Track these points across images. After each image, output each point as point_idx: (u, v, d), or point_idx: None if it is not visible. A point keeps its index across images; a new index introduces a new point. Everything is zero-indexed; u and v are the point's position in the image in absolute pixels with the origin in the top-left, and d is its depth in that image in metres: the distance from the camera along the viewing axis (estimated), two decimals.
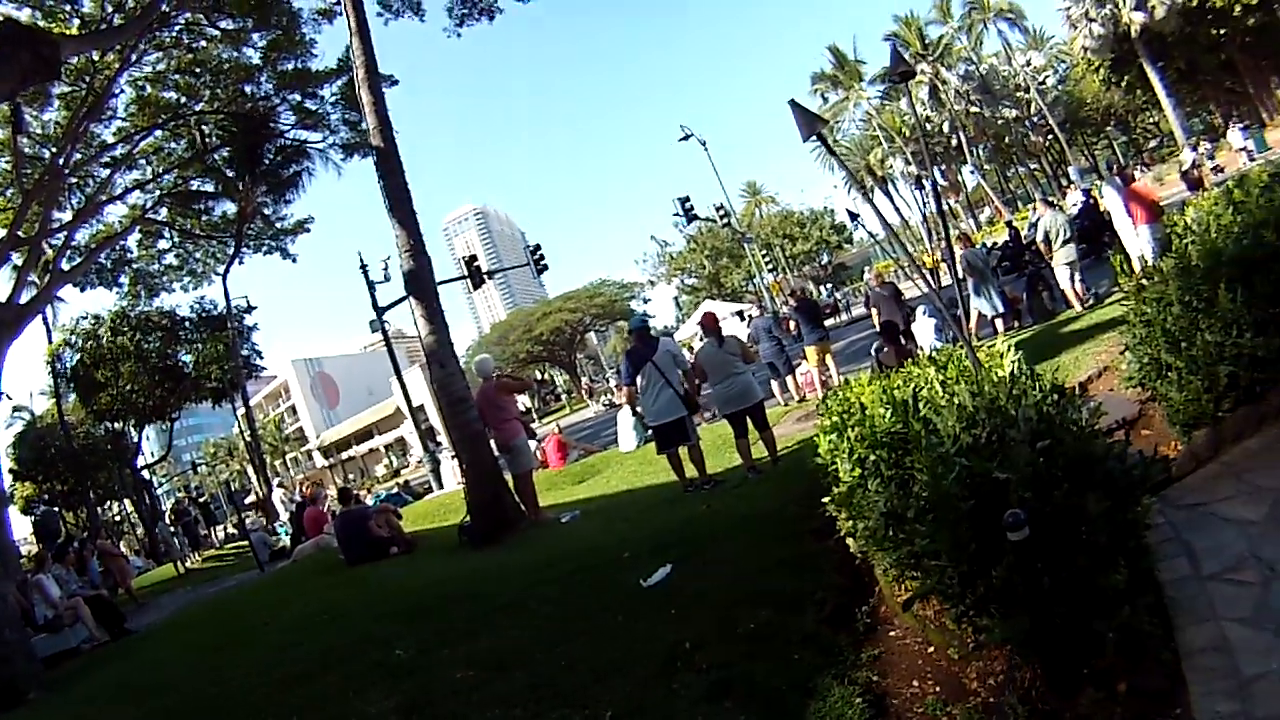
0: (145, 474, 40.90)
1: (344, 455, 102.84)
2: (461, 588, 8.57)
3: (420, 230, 13.12)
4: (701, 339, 11.54)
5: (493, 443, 12.27)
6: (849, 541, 5.18)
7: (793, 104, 5.64)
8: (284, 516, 26.12)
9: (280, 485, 30.67)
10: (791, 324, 18.25)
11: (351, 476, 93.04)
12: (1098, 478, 3.65)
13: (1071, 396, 4.26)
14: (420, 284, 12.92)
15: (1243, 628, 3.61)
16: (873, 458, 4.44)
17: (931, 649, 4.59)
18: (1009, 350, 5.08)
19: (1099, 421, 4.30)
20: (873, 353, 13.19)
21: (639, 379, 10.98)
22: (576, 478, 17.34)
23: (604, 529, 10.19)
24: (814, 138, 5.58)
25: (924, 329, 14.47)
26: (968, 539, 3.65)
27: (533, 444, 21.02)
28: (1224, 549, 4.26)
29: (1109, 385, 8.51)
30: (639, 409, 11.70)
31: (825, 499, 5.14)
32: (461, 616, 7.06)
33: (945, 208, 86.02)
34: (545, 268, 32.90)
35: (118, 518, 53.41)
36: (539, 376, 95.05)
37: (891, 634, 4.94)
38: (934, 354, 5.88)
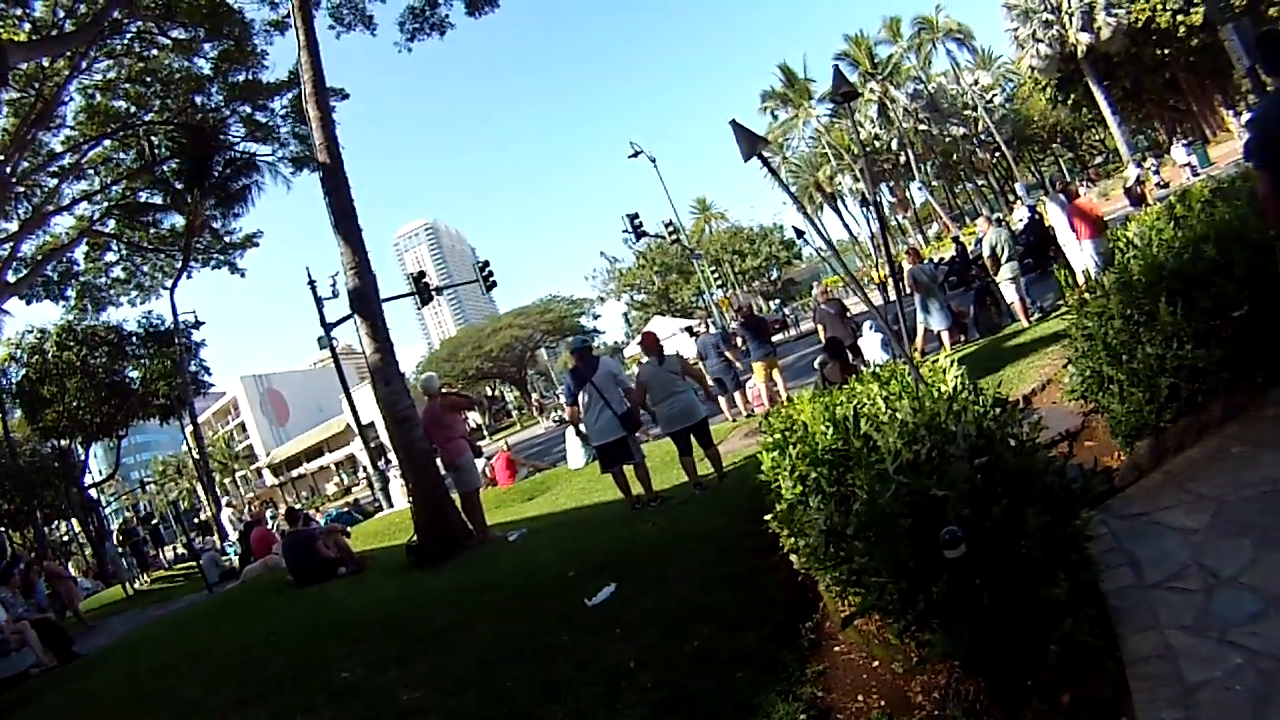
0: (93, 493, 40.21)
1: (294, 473, 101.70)
2: (409, 608, 8.44)
3: (365, 247, 12.93)
4: (644, 358, 11.47)
5: (439, 461, 12.15)
6: (792, 558, 5.17)
7: (734, 124, 5.63)
8: (233, 536, 25.78)
9: (229, 504, 30.27)
10: (739, 340, 18.28)
11: (305, 494, 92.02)
12: (1037, 492, 3.66)
13: (1013, 411, 4.27)
14: (365, 301, 12.73)
15: (1186, 635, 3.62)
16: (814, 475, 4.40)
17: (876, 663, 4.57)
18: (952, 365, 5.08)
19: (1041, 435, 4.32)
20: (817, 368, 13.19)
21: (581, 398, 10.92)
22: (525, 495, 17.26)
23: (551, 548, 10.08)
24: (755, 158, 5.57)
25: (871, 344, 14.56)
26: (907, 556, 3.63)
27: (481, 462, 20.94)
28: (1167, 557, 4.28)
29: (1053, 398, 8.59)
30: (582, 429, 11.59)
31: (768, 516, 5.13)
32: (409, 637, 6.95)
33: (894, 223, 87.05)
34: (494, 284, 32.66)
35: (65, 538, 52.46)
36: (489, 393, 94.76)
37: (836, 649, 4.92)
38: (877, 370, 5.87)
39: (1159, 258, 5.78)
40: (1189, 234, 5.91)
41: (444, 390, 12.56)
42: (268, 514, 28.14)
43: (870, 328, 14.50)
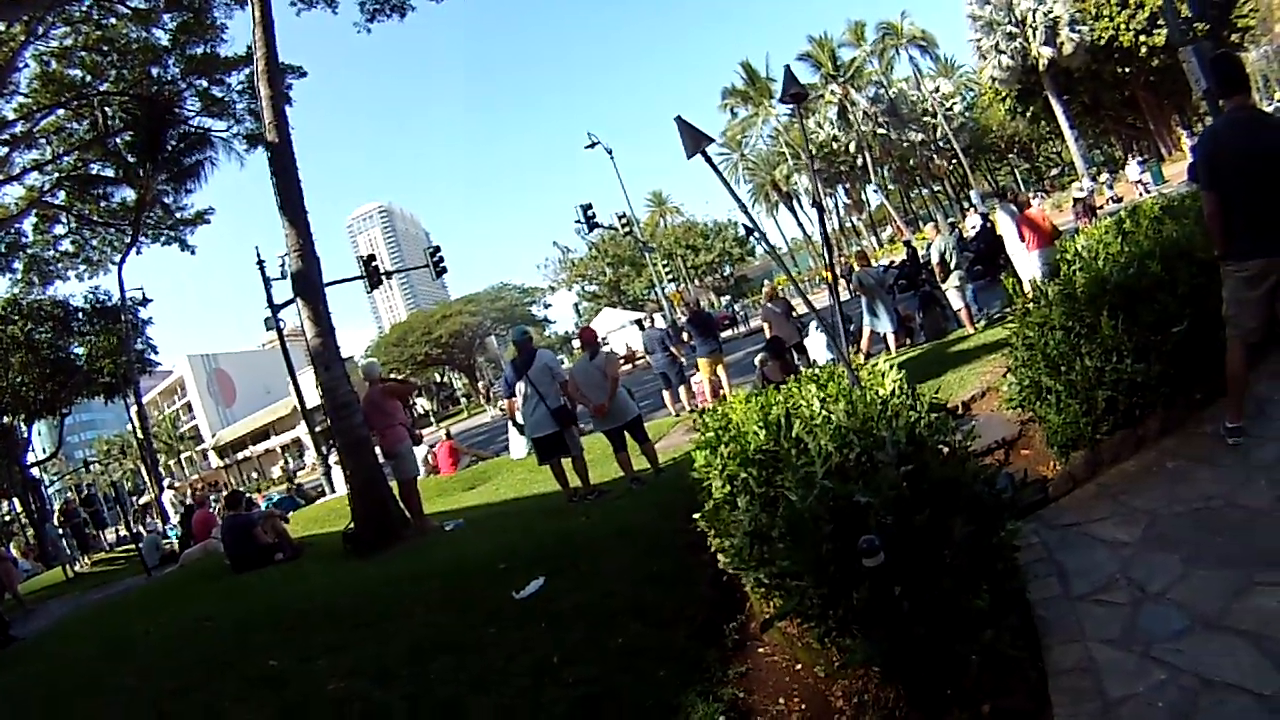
0: (35, 472, 39.47)
1: (240, 455, 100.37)
2: (342, 597, 8.33)
3: (310, 230, 12.67)
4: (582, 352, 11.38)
5: (378, 448, 12.01)
6: (720, 558, 5.13)
7: (679, 120, 5.57)
8: (174, 519, 25.45)
9: (171, 486, 29.74)
10: (685, 335, 18.18)
11: (254, 475, 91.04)
12: (964, 501, 3.64)
13: (945, 418, 4.24)
14: (308, 285, 12.46)
15: (1111, 649, 3.61)
16: (743, 475, 4.36)
17: (799, 666, 4.54)
18: (891, 369, 5.06)
19: (977, 442, 4.30)
20: (757, 366, 13.16)
21: (518, 390, 10.86)
22: (467, 484, 17.13)
23: (486, 539, 9.97)
24: (699, 155, 5.52)
25: (816, 344, 14.56)
26: (828, 561, 3.58)
27: (423, 449, 20.79)
28: (1095, 569, 4.29)
29: (992, 405, 8.60)
30: (519, 420, 11.47)
31: (696, 515, 5.09)
32: (341, 627, 6.88)
33: (848, 225, 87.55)
34: (444, 270, 32.46)
35: (7, 517, 51.54)
36: (438, 379, 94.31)
37: (760, 650, 4.90)
38: (817, 371, 5.84)
39: (1103, 271, 5.81)
40: (1135, 249, 5.95)
41: (384, 377, 12.40)
42: (211, 497, 27.78)
43: (816, 327, 14.49)
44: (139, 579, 16.78)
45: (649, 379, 22.42)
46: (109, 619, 11.85)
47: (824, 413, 4.37)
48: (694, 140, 5.50)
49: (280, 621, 7.69)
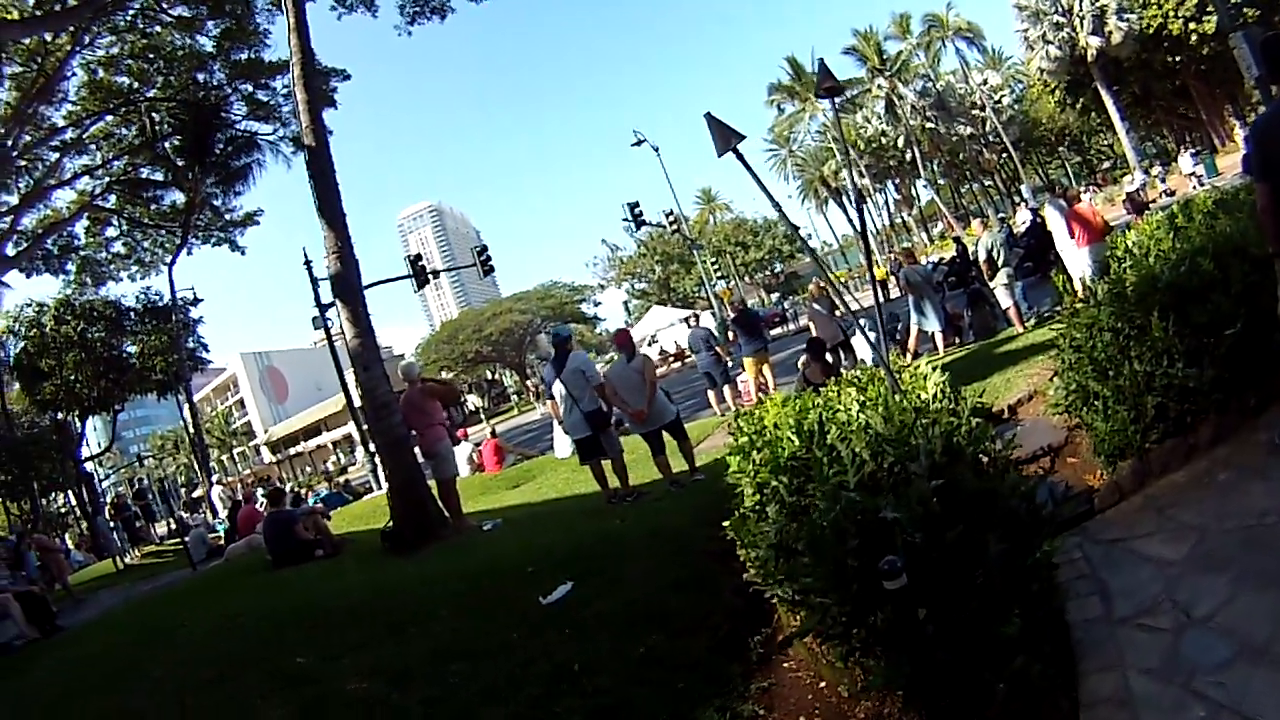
0: (90, 466, 40.02)
1: (291, 451, 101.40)
2: (373, 596, 8.35)
3: (349, 233, 12.69)
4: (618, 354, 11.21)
5: (417, 448, 11.97)
6: (749, 567, 4.95)
7: (708, 117, 5.39)
8: (223, 514, 25.68)
9: (218, 482, 29.96)
10: (730, 334, 17.89)
11: (306, 470, 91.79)
12: (999, 517, 3.42)
13: (985, 427, 4.04)
14: (346, 287, 12.46)
15: (1149, 680, 3.39)
16: (774, 483, 4.18)
17: (823, 684, 4.36)
18: (935, 372, 4.88)
19: (1018, 450, 4.10)
20: (799, 367, 12.93)
21: (556, 391, 10.80)
22: (511, 482, 17.03)
23: (521, 540, 9.93)
24: (730, 153, 5.34)
25: (863, 342, 14.28)
26: (852, 578, 3.40)
27: (468, 447, 20.76)
28: (1139, 590, 4.05)
29: (1038, 409, 8.27)
30: (562, 420, 11.37)
31: (725, 523, 4.92)
32: (367, 626, 6.90)
33: (898, 221, 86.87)
34: (491, 269, 32.60)
35: (63, 510, 52.34)
36: (489, 377, 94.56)
37: (785, 665, 4.75)
38: (858, 374, 5.66)
39: (1154, 269, 5.56)
40: (1187, 246, 5.69)
41: (424, 377, 12.36)
42: (258, 492, 27.97)
43: (866, 326, 14.23)
44: (185, 572, 17.09)
45: (695, 378, 22.23)
46: (150, 612, 12.02)
47: (862, 418, 4.18)
48: (724, 137, 5.32)
49: (311, 618, 7.80)
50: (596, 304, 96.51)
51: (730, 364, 17.13)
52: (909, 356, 14.67)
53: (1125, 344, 5.44)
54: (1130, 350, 5.38)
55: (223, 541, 20.43)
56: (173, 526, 34.64)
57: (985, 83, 74.86)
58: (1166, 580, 4.05)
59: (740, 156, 5.32)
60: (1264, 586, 3.70)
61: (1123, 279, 5.70)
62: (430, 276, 31.85)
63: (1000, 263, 14.24)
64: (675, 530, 7.57)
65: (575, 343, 11.26)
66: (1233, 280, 5.28)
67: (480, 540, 10.76)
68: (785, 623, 4.93)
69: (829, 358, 14.20)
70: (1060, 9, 52.16)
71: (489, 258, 32.59)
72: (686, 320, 44.04)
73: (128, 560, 25.27)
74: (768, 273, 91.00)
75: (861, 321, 14.30)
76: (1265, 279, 5.02)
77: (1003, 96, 78.29)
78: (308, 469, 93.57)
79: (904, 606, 3.22)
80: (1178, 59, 51.29)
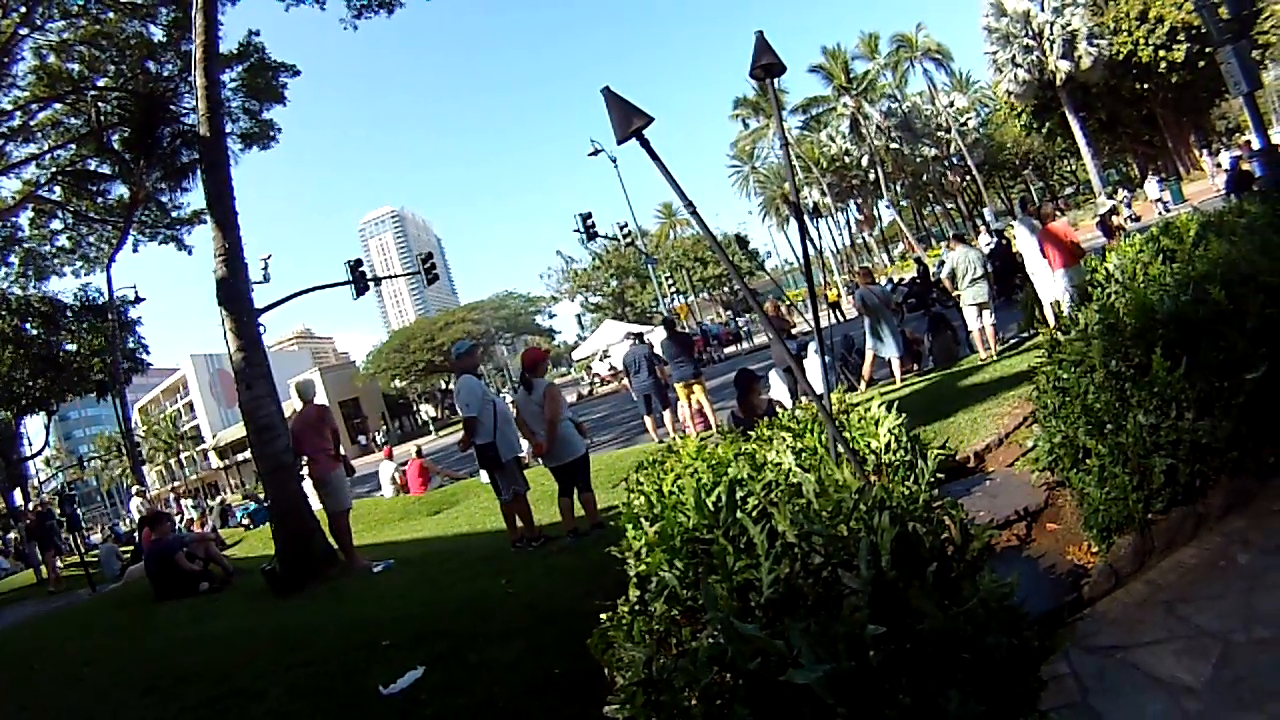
0: (34, 466, 39.27)
1: (240, 457, 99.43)
2: (222, 653, 7.60)
3: (240, 235, 11.54)
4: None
5: (307, 477, 10.95)
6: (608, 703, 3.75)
7: (606, 92, 4.21)
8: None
9: (138, 493, 28.44)
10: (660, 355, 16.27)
11: (254, 477, 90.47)
12: (970, 663, 2.20)
13: (957, 509, 2.94)
14: (233, 294, 11.28)
15: None
16: (663, 574, 3.04)
17: None
18: (889, 414, 3.85)
19: (984, 514, 3.01)
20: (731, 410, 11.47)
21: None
22: (433, 507, 16.15)
23: (401, 592, 9.02)
24: (633, 138, 4.16)
25: (813, 366, 13.15)
26: None
27: (391, 467, 19.75)
28: None
29: (1010, 456, 6.84)
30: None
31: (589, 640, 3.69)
32: (194, 694, 6.28)
33: (859, 240, 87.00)
34: (436, 277, 32.05)
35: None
36: (442, 386, 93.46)
37: None
38: (793, 417, 4.60)
39: (1150, 298, 4.54)
40: (1187, 271, 4.75)
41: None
42: (186, 504, 26.71)
43: (814, 349, 13.08)
44: (84, 593, 16.48)
45: (632, 402, 20.77)
46: (21, 644, 11.40)
47: (794, 477, 3.08)
48: (624, 118, 4.11)
49: (155, 675, 7.25)
50: (551, 315, 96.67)
51: (669, 387, 15.61)
52: (863, 384, 13.70)
53: (1123, 388, 4.39)
54: (1130, 395, 4.33)
55: (129, 560, 19.20)
56: (105, 535, 33.91)
57: (952, 105, 75.26)
58: (1184, 718, 2.96)
59: (645, 143, 4.15)
60: None
61: (1114, 308, 4.69)
62: (372, 283, 31.17)
63: (965, 283, 13.19)
64: (562, 602, 6.51)
65: (508, 360, 10.11)
66: (1249, 314, 4.27)
67: (362, 587, 9.85)
68: None
69: (781, 380, 13.07)
70: (1030, 33, 52.06)
71: (433, 265, 32.17)
72: (630, 336, 43.38)
73: (44, 572, 24.25)
74: (726, 290, 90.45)
75: (811, 345, 13.40)
76: None
77: (969, 119, 78.58)
78: (254, 476, 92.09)
79: None
80: (1146, 86, 51.83)
